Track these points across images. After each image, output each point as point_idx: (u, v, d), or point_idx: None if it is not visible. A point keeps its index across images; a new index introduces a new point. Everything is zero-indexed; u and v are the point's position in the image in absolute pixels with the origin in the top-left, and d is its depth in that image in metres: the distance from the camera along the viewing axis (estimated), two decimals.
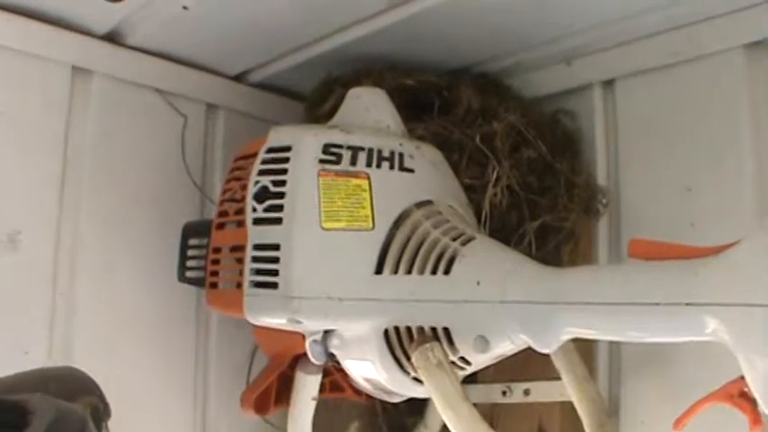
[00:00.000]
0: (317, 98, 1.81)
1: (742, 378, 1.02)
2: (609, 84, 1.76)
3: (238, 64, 1.89)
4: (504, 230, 1.58)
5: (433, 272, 1.31)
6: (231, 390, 1.67)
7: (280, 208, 1.36)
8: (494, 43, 1.74)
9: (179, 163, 1.81)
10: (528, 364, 1.49)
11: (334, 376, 1.54)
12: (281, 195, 1.36)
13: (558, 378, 1.44)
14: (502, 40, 1.72)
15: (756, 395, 0.99)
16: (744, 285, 1.00)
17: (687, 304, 1.04)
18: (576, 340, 1.28)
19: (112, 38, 1.71)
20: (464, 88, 1.73)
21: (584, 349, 1.49)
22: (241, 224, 1.41)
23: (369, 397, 1.53)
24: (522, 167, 1.63)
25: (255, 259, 1.37)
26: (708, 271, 1.04)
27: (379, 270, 1.35)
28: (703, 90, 1.61)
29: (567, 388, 1.43)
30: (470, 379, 1.53)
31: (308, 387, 1.50)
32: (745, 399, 1.06)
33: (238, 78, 1.94)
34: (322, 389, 1.52)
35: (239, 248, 1.40)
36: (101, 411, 1.08)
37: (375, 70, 1.74)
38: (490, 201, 1.57)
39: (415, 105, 1.68)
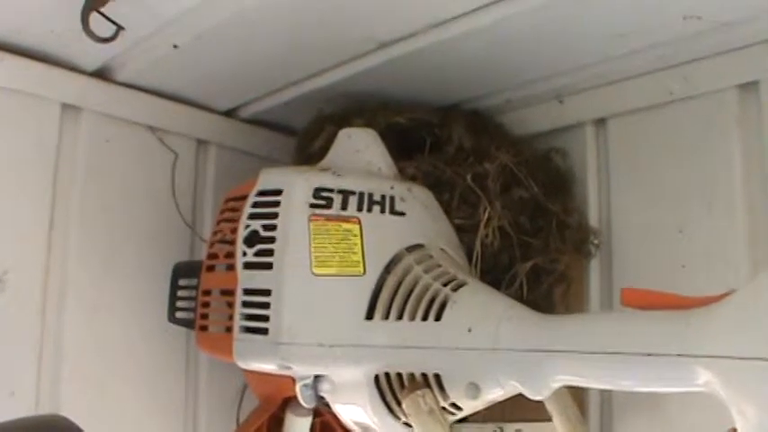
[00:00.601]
0: (307, 135, 1.80)
1: (734, 430, 1.00)
2: (601, 122, 1.77)
3: (229, 100, 1.89)
4: (495, 272, 1.58)
5: (424, 318, 1.30)
6: (221, 430, 1.66)
7: (270, 252, 1.35)
8: (485, 81, 1.74)
9: (169, 200, 1.80)
10: (520, 405, 1.47)
11: (324, 417, 1.52)
12: (272, 240, 1.35)
13: (550, 419, 1.43)
14: (493, 77, 1.72)
15: None
16: (737, 337, 0.99)
17: (679, 355, 1.03)
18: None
19: (102, 74, 1.70)
20: (455, 126, 1.72)
21: (577, 392, 1.48)
22: (231, 267, 1.40)
23: None
24: (513, 208, 1.62)
25: (245, 304, 1.35)
26: (701, 322, 1.03)
27: (369, 316, 1.34)
28: (696, 130, 1.61)
29: (559, 430, 1.42)
30: (461, 419, 1.52)
31: (298, 429, 1.48)
32: None
33: (229, 114, 1.93)
34: (312, 429, 1.51)
35: (229, 292, 1.39)
36: None
37: (366, 108, 1.73)
38: (481, 242, 1.56)
39: (406, 143, 1.67)
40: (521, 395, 1.25)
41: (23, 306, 1.57)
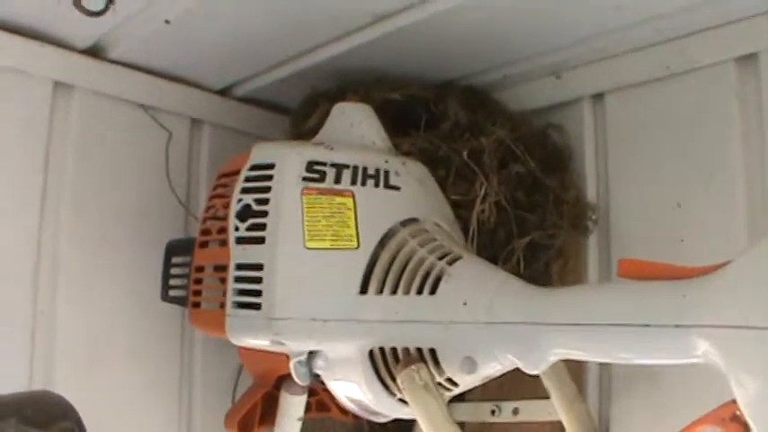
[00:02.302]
0: (302, 112, 1.80)
1: (733, 401, 0.99)
2: (598, 97, 1.75)
3: (223, 78, 1.88)
4: (492, 248, 1.57)
5: (419, 291, 1.30)
6: (216, 410, 1.65)
7: (263, 227, 1.33)
8: (482, 57, 1.73)
9: (163, 179, 1.79)
10: (517, 383, 1.47)
11: (320, 396, 1.52)
12: (264, 214, 1.34)
13: (548, 397, 1.43)
14: (490, 53, 1.71)
15: (748, 419, 0.97)
16: (734, 307, 0.99)
17: (676, 326, 1.02)
18: (565, 359, 1.27)
19: (94, 52, 1.69)
20: (451, 102, 1.72)
21: (575, 368, 1.48)
22: (224, 243, 1.39)
23: (355, 416, 1.51)
24: (510, 183, 1.62)
25: (238, 279, 1.34)
26: (697, 292, 1.03)
27: (363, 290, 1.33)
28: (694, 104, 1.60)
29: (557, 407, 1.42)
30: (459, 397, 1.52)
31: (293, 408, 1.47)
32: (737, 422, 1.03)
33: (223, 93, 1.92)
34: (308, 408, 1.50)
35: (222, 268, 1.38)
36: None
37: (361, 84, 1.73)
38: (478, 217, 1.55)
39: (401, 120, 1.66)
40: (518, 373, 1.24)
41: (16, 284, 1.57)
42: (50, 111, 1.64)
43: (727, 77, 1.55)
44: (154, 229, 1.74)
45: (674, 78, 1.62)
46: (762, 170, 1.50)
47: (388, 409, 1.38)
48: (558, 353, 1.18)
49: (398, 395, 1.32)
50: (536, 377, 1.33)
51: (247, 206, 1.36)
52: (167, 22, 1.55)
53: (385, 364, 1.32)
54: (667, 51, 1.61)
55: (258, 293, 1.31)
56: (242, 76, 1.86)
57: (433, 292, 1.29)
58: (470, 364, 1.23)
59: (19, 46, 1.59)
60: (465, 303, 1.24)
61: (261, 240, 1.33)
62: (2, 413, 1.03)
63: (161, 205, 1.79)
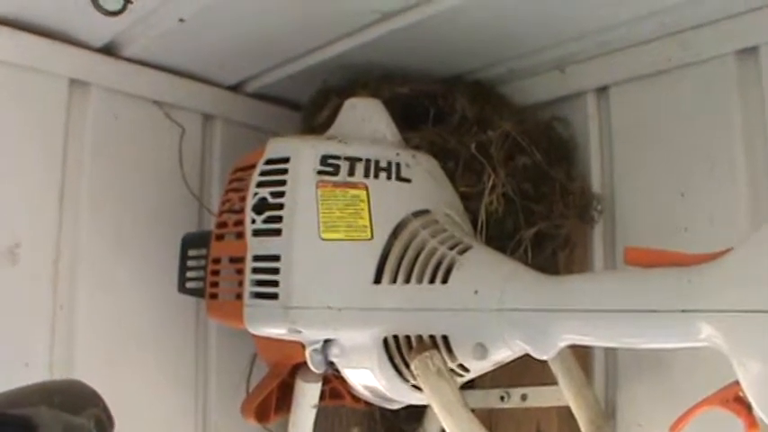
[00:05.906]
0: (312, 108, 1.82)
1: (737, 383, 1.02)
2: (602, 91, 1.77)
3: (235, 74, 1.90)
4: (500, 238, 1.59)
5: (431, 281, 1.32)
6: (232, 398, 1.68)
7: (279, 219, 1.37)
8: (487, 51, 1.75)
9: (177, 174, 1.82)
10: (526, 370, 1.49)
11: (333, 384, 1.55)
12: (280, 207, 1.37)
13: (556, 383, 1.46)
14: (495, 48, 1.73)
15: (751, 399, 1.01)
16: (737, 291, 1.02)
17: (682, 311, 1.06)
18: (573, 345, 1.30)
19: (109, 50, 1.72)
20: (459, 96, 1.74)
21: (582, 354, 1.50)
22: (240, 235, 1.42)
23: (368, 404, 1.53)
24: (517, 175, 1.63)
25: (255, 270, 1.38)
26: (702, 278, 1.06)
27: (377, 279, 1.36)
28: (696, 96, 1.61)
29: (564, 392, 1.44)
30: (468, 384, 1.53)
31: (307, 395, 1.50)
32: (739, 403, 1.06)
33: (235, 88, 1.94)
34: (322, 396, 1.53)
35: (239, 260, 1.41)
36: (105, 423, 1.09)
37: (370, 80, 1.75)
38: (486, 208, 1.57)
39: (410, 114, 1.69)
40: (527, 360, 1.28)
41: (36, 278, 1.59)
42: (67, 108, 1.67)
43: (728, 70, 1.56)
44: (169, 223, 1.77)
45: (676, 71, 1.63)
46: (764, 159, 1.51)
47: (402, 396, 1.41)
48: (567, 338, 1.21)
49: (412, 381, 1.35)
50: (544, 364, 1.37)
51: (263, 199, 1.39)
52: (181, 20, 1.57)
53: (399, 352, 1.35)
54: (669, 45, 1.62)
55: (275, 284, 1.35)
56: (253, 72, 1.88)
57: (444, 281, 1.32)
58: (481, 351, 1.26)
59: (35, 45, 1.61)
60: (476, 291, 1.27)
61: (277, 232, 1.37)
62: (31, 401, 1.05)
63: (175, 199, 1.81)
